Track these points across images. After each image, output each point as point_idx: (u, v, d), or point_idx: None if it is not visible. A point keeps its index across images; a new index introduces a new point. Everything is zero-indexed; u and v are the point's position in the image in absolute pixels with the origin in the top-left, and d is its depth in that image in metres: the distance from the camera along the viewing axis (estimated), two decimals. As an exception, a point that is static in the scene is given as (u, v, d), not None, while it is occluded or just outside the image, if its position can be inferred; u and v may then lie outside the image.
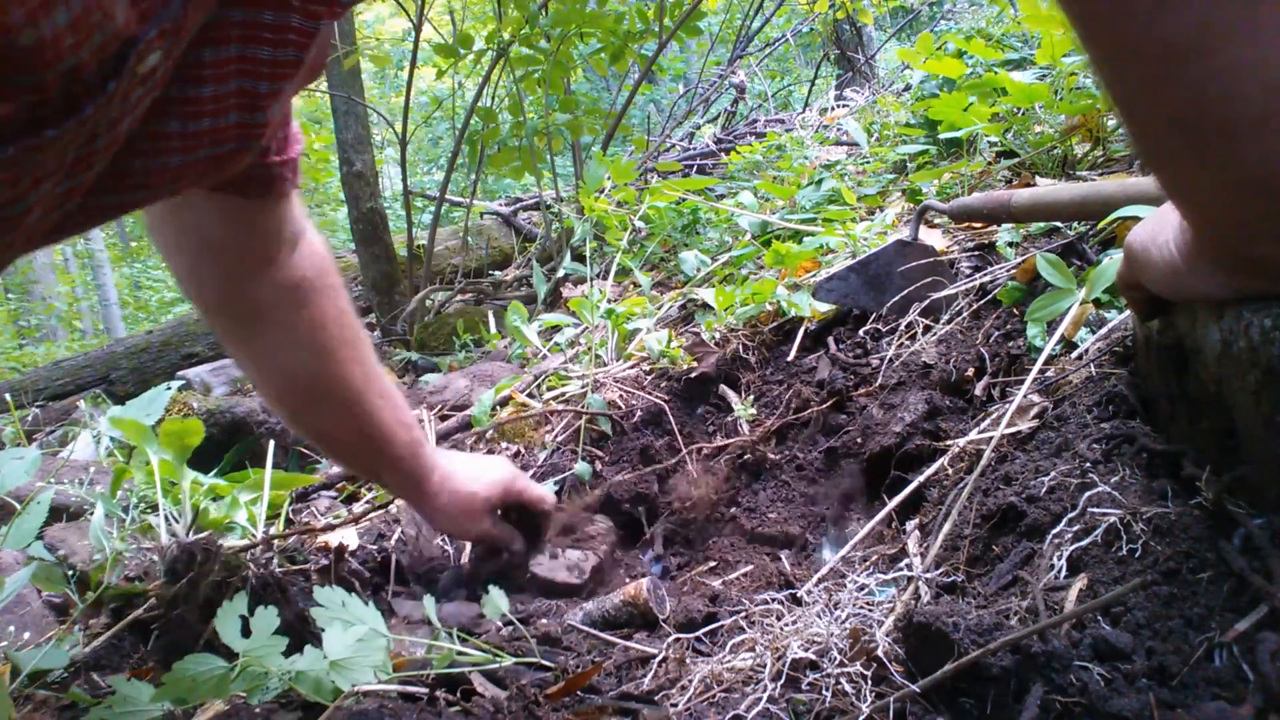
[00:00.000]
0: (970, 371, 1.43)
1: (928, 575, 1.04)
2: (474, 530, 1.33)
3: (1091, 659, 0.72)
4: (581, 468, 1.68)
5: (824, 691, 0.87)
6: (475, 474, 1.32)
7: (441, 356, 3.10)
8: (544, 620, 1.29)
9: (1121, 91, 0.57)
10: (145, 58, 0.56)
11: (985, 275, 1.60)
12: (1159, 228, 0.76)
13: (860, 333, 1.74)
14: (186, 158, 0.70)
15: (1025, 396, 1.18)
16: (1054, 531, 0.90)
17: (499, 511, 1.37)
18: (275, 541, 1.42)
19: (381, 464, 1.24)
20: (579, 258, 2.96)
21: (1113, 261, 1.22)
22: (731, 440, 1.69)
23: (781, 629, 0.99)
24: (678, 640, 1.11)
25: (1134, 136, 0.60)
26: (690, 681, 0.97)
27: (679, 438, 1.71)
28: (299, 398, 1.16)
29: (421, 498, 1.29)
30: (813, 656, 0.92)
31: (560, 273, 3.11)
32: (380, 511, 1.66)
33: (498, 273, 4.17)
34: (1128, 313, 1.19)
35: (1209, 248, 0.68)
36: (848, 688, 0.86)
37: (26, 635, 1.21)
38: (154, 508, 1.37)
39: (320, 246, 1.14)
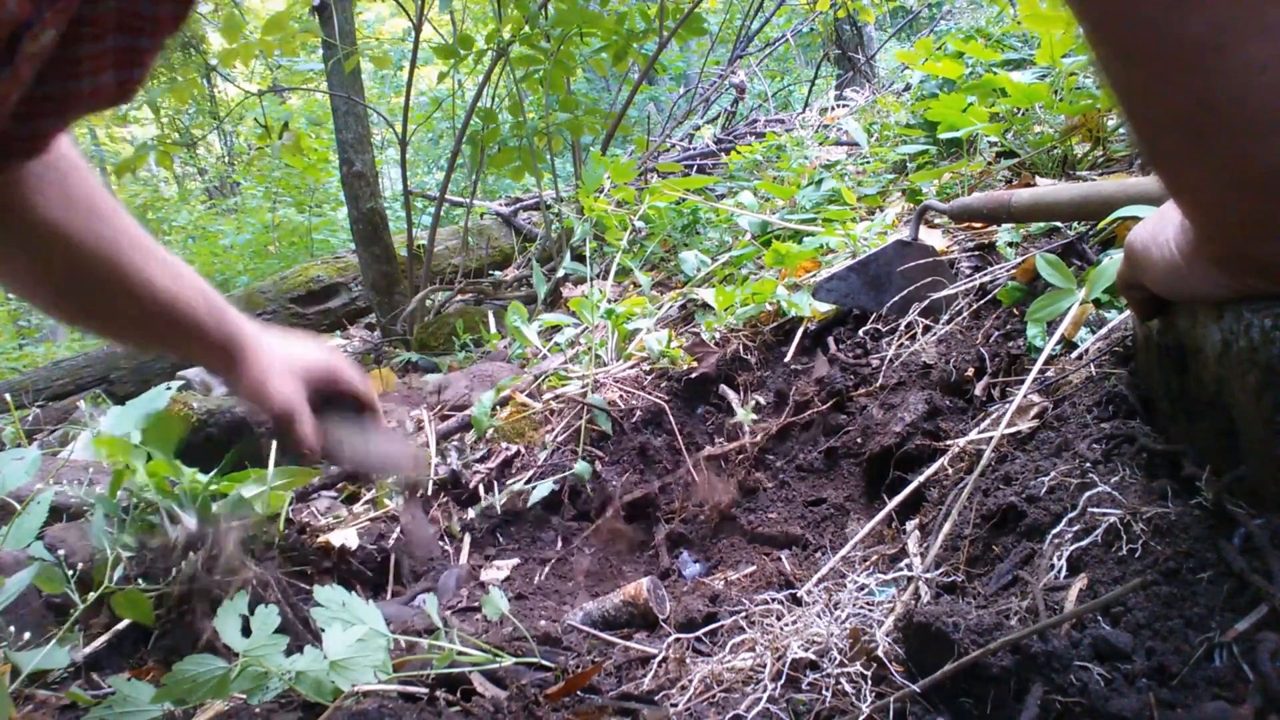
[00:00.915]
0: (970, 371, 1.43)
1: (928, 575, 1.04)
2: (278, 402, 1.11)
3: (1091, 659, 0.72)
4: (581, 467, 1.68)
5: (824, 691, 0.87)
6: (293, 351, 1.17)
7: (441, 356, 3.10)
8: (543, 621, 1.29)
9: (1128, 89, 0.56)
10: (38, 38, 0.54)
11: (985, 275, 1.60)
12: (1160, 227, 0.76)
13: (860, 333, 1.74)
14: (59, 121, 0.66)
15: (1025, 396, 1.18)
16: (1054, 531, 0.90)
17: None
18: (278, 541, 1.42)
19: (184, 335, 1.05)
20: (579, 258, 2.96)
21: (1113, 261, 1.22)
22: (734, 444, 1.69)
23: (781, 629, 0.99)
24: (678, 640, 1.11)
25: (1138, 134, 0.60)
26: (690, 681, 0.97)
27: (679, 438, 1.71)
28: (72, 285, 0.97)
29: (232, 365, 1.09)
30: (813, 656, 0.92)
31: (560, 273, 3.11)
32: (380, 512, 1.67)
33: (498, 273, 4.17)
34: (1128, 313, 1.19)
35: (1211, 247, 0.68)
36: (848, 688, 0.86)
37: (27, 635, 1.21)
38: (154, 508, 1.37)
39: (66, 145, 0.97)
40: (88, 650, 1.19)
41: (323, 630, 1.01)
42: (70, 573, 1.30)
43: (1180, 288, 0.77)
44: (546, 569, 1.57)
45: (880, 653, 0.86)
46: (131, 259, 0.99)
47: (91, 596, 1.21)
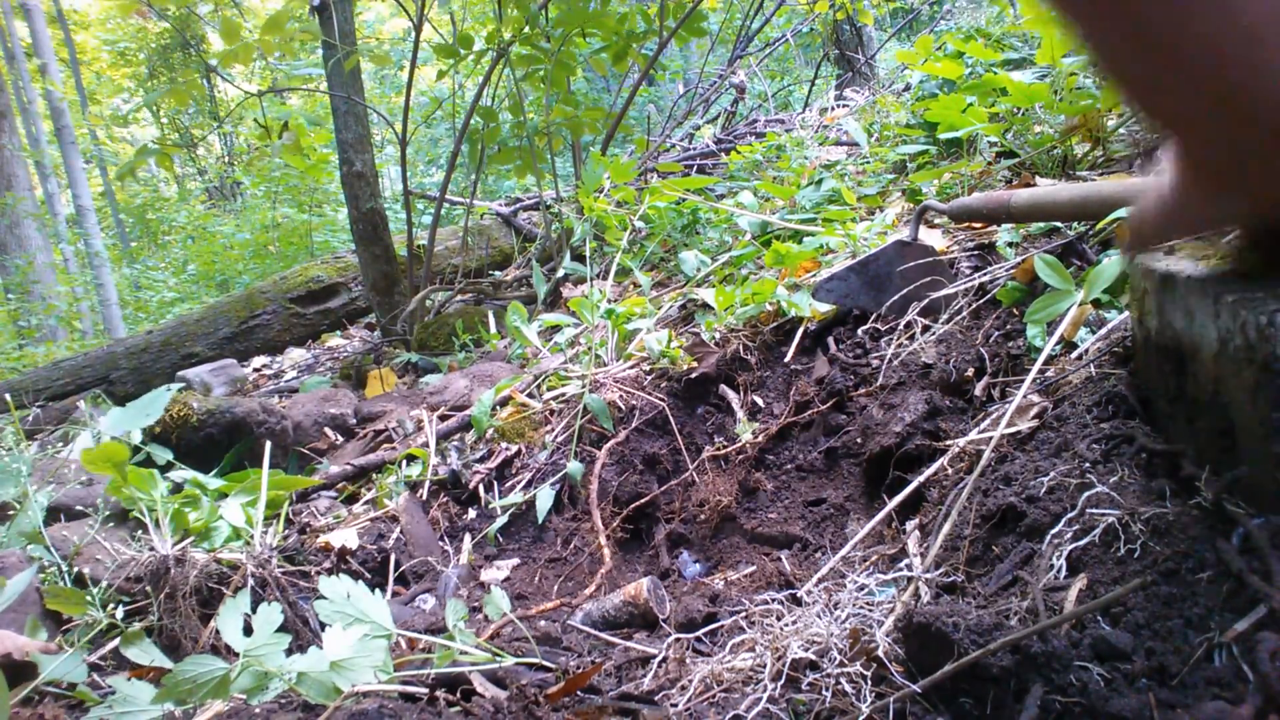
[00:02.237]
0: (970, 371, 1.43)
1: (928, 575, 1.04)
2: None
3: (1091, 659, 0.72)
4: (574, 468, 1.68)
5: (824, 691, 0.87)
6: None
7: (441, 357, 3.10)
8: (544, 621, 1.29)
9: (1109, 58, 0.55)
10: None
11: (985, 275, 1.60)
12: (1159, 181, 0.74)
13: (860, 333, 1.74)
14: None
15: (1025, 397, 1.18)
16: (1053, 532, 0.90)
17: None
18: (276, 544, 1.42)
19: None
20: (579, 258, 2.96)
21: (1112, 262, 1.22)
22: (734, 444, 1.69)
23: (781, 629, 0.99)
24: (678, 640, 1.11)
25: (1109, 75, 0.58)
26: (690, 681, 0.97)
27: (679, 438, 1.71)
28: None
29: None
30: (813, 656, 0.92)
31: (560, 273, 3.10)
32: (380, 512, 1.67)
33: (498, 273, 4.17)
34: (1127, 313, 1.19)
35: (1202, 175, 0.65)
36: (848, 688, 0.86)
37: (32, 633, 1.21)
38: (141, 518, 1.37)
39: None
40: (93, 658, 1.19)
41: (324, 626, 1.01)
42: (68, 569, 1.30)
43: (1174, 220, 0.74)
44: (546, 569, 1.57)
45: (880, 653, 0.86)
46: None
47: (97, 629, 1.21)
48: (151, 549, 1.26)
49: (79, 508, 1.58)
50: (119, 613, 1.23)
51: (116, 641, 1.20)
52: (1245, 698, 0.63)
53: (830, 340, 1.78)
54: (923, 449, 1.33)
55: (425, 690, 1.04)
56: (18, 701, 1.06)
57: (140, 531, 1.41)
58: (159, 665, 1.15)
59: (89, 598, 1.23)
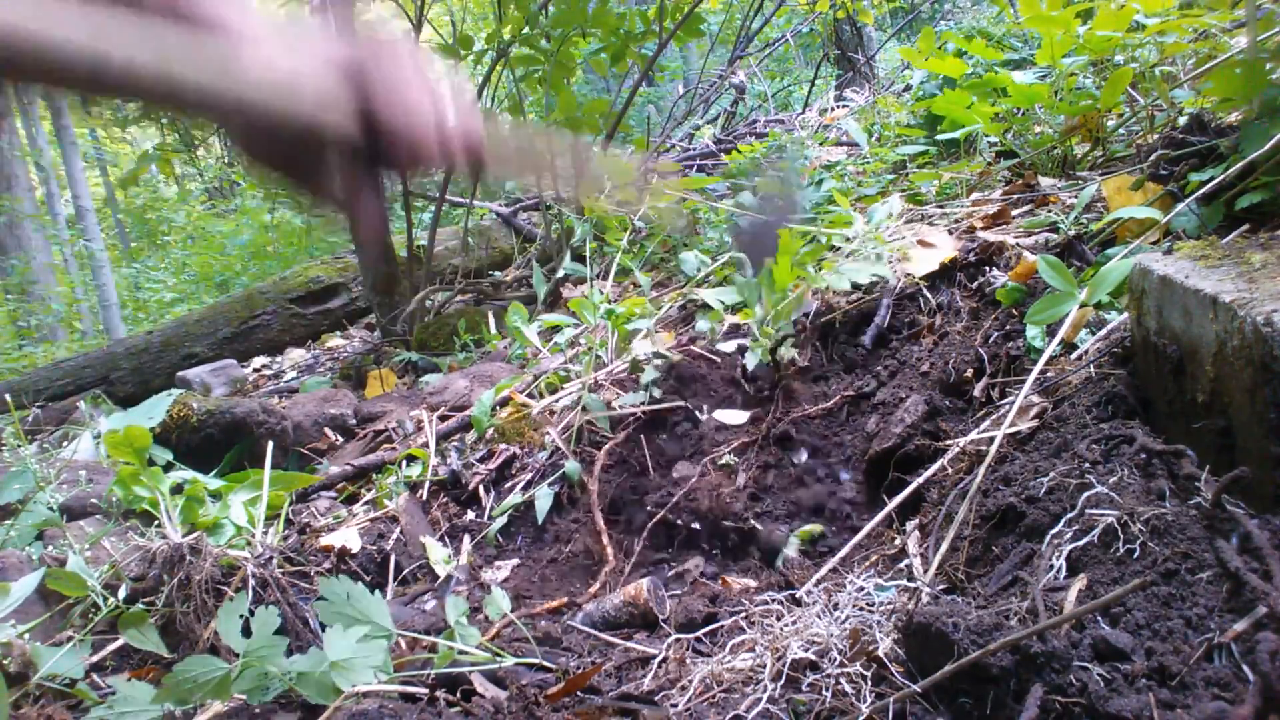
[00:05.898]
0: (970, 372, 1.43)
1: (928, 577, 1.04)
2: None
3: (1091, 659, 0.72)
4: (573, 468, 1.68)
5: (824, 691, 0.87)
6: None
7: (441, 357, 3.10)
8: (544, 621, 1.29)
9: None
10: None
11: (983, 277, 1.60)
12: None
13: (860, 333, 1.74)
14: None
15: (1025, 397, 1.18)
16: (1053, 532, 0.90)
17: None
18: (276, 544, 1.42)
19: None
20: (579, 258, 2.96)
21: (1116, 265, 1.22)
22: (733, 444, 1.69)
23: (781, 629, 0.99)
24: (678, 640, 1.11)
25: None
26: (690, 682, 0.97)
27: (678, 439, 1.71)
28: None
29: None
30: (813, 657, 0.92)
31: (560, 273, 3.10)
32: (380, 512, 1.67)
33: (498, 273, 4.17)
34: (1126, 314, 1.19)
35: None
36: (848, 688, 0.86)
37: (26, 636, 1.21)
38: (145, 514, 1.37)
39: None
40: (94, 659, 1.19)
41: (324, 627, 1.01)
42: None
43: None
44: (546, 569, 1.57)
45: (880, 653, 0.86)
46: None
47: (101, 615, 1.21)
48: (164, 537, 1.26)
49: (83, 507, 1.58)
50: (121, 592, 1.23)
51: (117, 643, 1.20)
52: (1245, 698, 0.63)
53: (831, 340, 1.78)
54: (923, 449, 1.33)
55: (425, 690, 1.04)
56: (18, 698, 1.06)
57: (152, 525, 1.41)
58: (155, 651, 1.15)
59: (90, 580, 1.23)
